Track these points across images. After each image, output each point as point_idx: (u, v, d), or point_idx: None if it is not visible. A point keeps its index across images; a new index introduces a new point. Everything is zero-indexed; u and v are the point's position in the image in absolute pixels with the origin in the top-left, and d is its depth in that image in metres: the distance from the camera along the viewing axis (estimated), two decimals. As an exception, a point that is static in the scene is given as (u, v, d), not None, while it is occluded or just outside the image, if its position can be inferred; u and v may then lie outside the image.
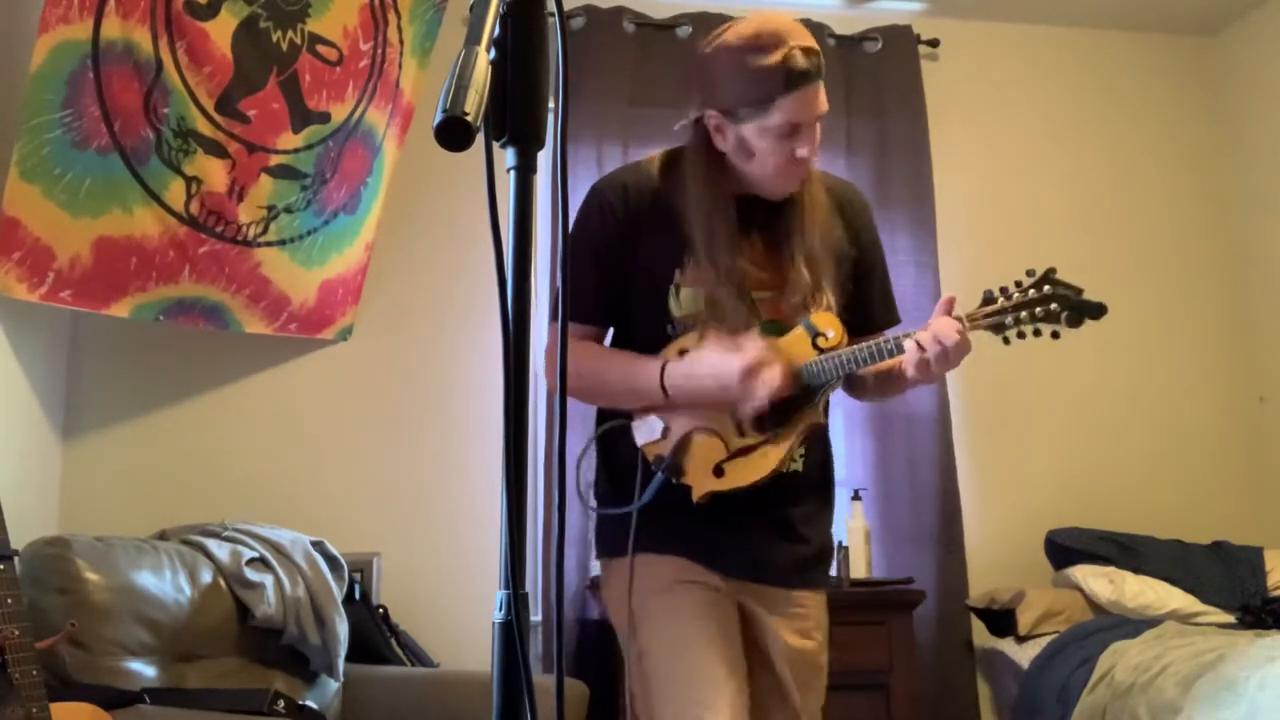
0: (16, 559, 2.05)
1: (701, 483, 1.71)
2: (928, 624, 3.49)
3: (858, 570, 3.31)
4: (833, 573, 3.27)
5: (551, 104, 1.00)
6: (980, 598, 3.53)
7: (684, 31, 3.77)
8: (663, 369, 1.69)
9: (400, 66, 3.16)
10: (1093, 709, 2.86)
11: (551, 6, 0.95)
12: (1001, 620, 3.46)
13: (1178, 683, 2.64)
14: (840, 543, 3.32)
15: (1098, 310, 1.60)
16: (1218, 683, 2.55)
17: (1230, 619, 3.29)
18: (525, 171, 0.94)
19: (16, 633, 1.94)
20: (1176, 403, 3.99)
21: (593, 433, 1.84)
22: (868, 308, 1.86)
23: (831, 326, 1.71)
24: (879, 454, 3.67)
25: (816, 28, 3.88)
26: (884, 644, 3.15)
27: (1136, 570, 3.46)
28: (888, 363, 1.71)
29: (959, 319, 1.63)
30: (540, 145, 0.94)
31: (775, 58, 1.61)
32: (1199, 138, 4.21)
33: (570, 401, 1.80)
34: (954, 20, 4.09)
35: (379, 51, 3.08)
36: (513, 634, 0.87)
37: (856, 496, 3.46)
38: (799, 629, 1.80)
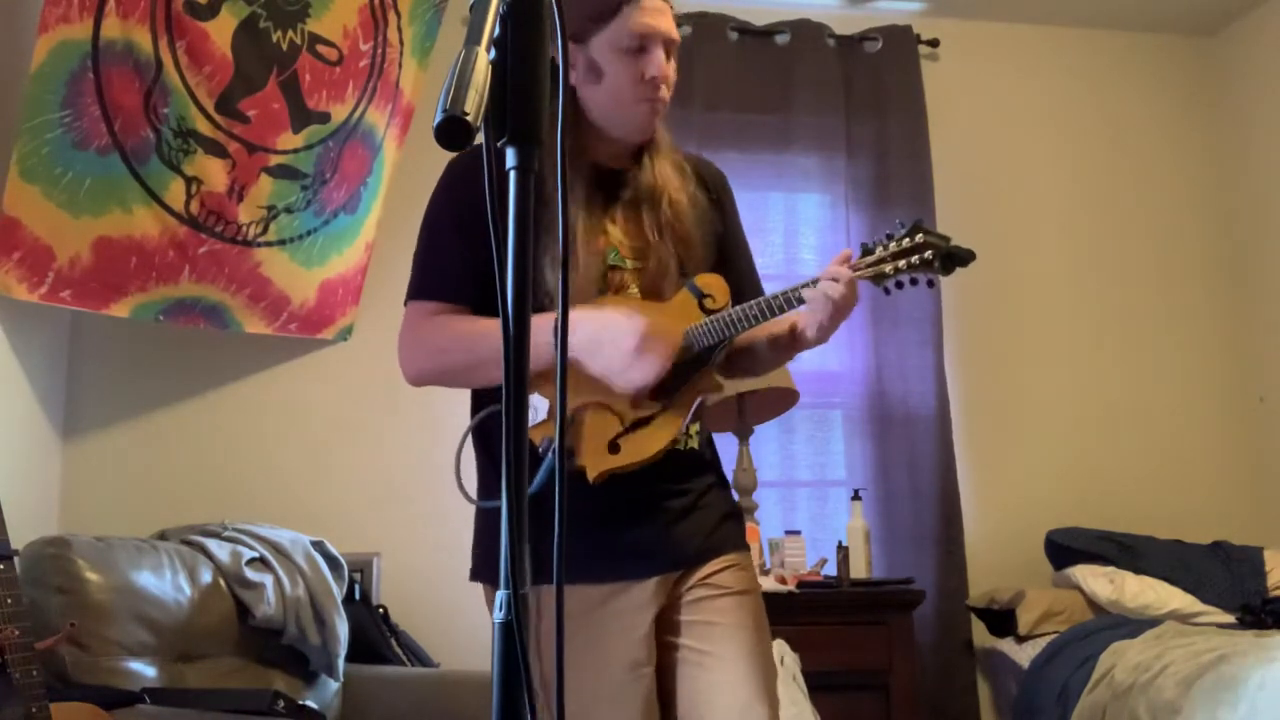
0: (16, 559, 2.05)
1: (596, 461, 1.59)
2: (928, 624, 3.49)
3: (858, 570, 3.31)
4: (832, 572, 3.30)
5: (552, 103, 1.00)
6: (980, 598, 3.53)
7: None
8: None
9: (400, 66, 3.16)
10: (1093, 709, 2.87)
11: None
12: (1001, 620, 3.46)
13: (1178, 683, 2.65)
14: (840, 543, 3.33)
15: (967, 256, 1.64)
16: (1218, 683, 2.55)
17: (1230, 619, 3.29)
18: (525, 171, 0.93)
19: (16, 633, 1.95)
20: (1176, 403, 3.99)
21: (472, 422, 1.68)
22: (735, 283, 1.77)
23: (716, 287, 1.67)
24: (879, 454, 3.67)
25: (816, 28, 3.89)
26: (884, 644, 3.15)
27: (1136, 570, 3.46)
28: (779, 326, 1.67)
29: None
30: (540, 145, 0.94)
31: None
32: (1199, 138, 4.21)
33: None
34: (954, 20, 4.09)
35: (379, 51, 3.07)
36: (513, 634, 0.88)
37: (856, 496, 3.46)
38: (721, 607, 1.66)
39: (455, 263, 1.66)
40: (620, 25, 1.61)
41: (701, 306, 1.66)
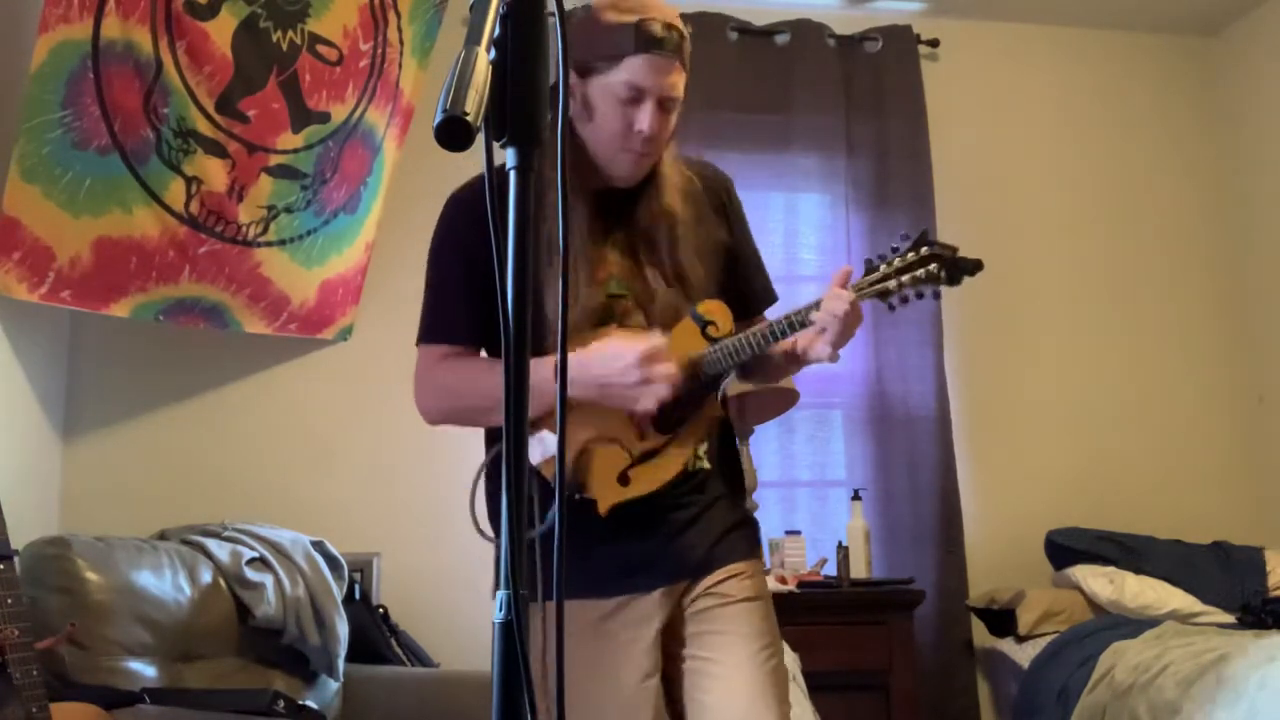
0: (16, 559, 2.05)
1: (606, 494, 1.62)
2: (928, 624, 3.49)
3: (858, 570, 3.31)
4: (832, 572, 3.30)
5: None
6: (980, 598, 3.53)
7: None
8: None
9: (400, 66, 3.16)
10: (1093, 709, 2.86)
11: (551, 6, 0.95)
12: (1001, 620, 3.46)
13: (1178, 683, 2.65)
14: (840, 543, 3.33)
15: (974, 266, 1.62)
16: (1218, 683, 2.55)
17: (1230, 619, 3.30)
18: (525, 171, 0.93)
19: (16, 633, 1.95)
20: (1176, 403, 3.99)
21: (484, 461, 1.71)
22: (748, 290, 1.79)
23: (719, 314, 1.68)
24: (879, 454, 3.67)
25: (816, 28, 3.89)
26: (884, 644, 3.15)
27: (1137, 570, 3.47)
28: (784, 344, 1.68)
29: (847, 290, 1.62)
30: (540, 145, 0.94)
31: (631, 18, 1.60)
32: (1199, 138, 4.21)
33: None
34: (954, 20, 4.09)
35: (379, 51, 3.07)
36: (513, 634, 0.88)
37: (856, 496, 3.46)
38: (729, 622, 1.66)
39: (461, 304, 1.68)
40: (618, 73, 1.61)
41: (705, 334, 1.66)
